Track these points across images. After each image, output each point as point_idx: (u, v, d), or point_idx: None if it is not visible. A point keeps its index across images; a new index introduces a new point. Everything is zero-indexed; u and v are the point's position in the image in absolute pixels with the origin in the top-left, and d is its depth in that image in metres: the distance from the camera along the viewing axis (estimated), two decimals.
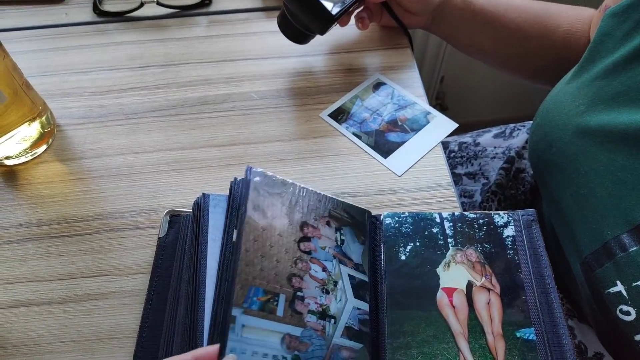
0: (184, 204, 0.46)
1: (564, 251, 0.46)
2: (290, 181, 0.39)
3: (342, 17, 0.51)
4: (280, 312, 0.34)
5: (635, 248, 0.37)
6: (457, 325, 0.36)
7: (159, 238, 0.43)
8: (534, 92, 0.72)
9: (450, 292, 0.38)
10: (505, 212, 0.42)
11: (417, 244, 0.40)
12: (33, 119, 0.49)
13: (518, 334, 0.35)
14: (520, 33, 0.57)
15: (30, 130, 0.49)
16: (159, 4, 0.64)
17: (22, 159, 0.50)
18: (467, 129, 0.76)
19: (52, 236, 0.45)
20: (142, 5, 0.64)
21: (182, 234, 0.42)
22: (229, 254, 0.36)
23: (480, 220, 0.41)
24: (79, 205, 0.47)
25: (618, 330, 0.39)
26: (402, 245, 0.40)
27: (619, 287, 0.38)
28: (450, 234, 0.41)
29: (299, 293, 0.35)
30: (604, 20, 0.44)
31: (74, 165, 0.50)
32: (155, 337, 0.38)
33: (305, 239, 0.38)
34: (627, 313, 0.38)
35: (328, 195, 0.41)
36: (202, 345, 0.33)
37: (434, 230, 0.41)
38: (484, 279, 0.38)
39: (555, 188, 0.46)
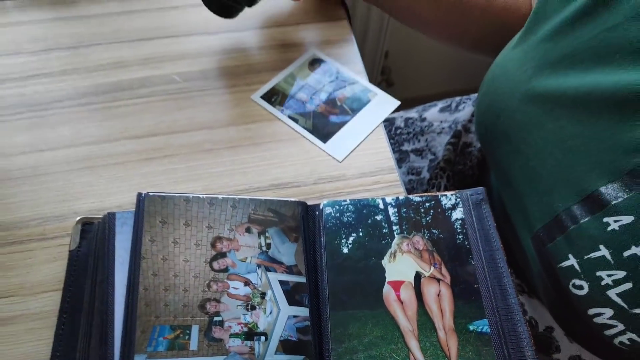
0: (99, 207, 0.41)
1: (514, 225, 0.45)
2: (193, 196, 0.35)
3: None
4: (193, 345, 0.31)
5: (586, 219, 0.35)
6: (406, 322, 0.34)
7: (70, 251, 0.37)
8: (479, 63, 0.71)
9: (397, 285, 0.35)
10: (453, 192, 0.39)
11: (360, 234, 0.37)
12: None
13: (471, 327, 0.33)
14: (460, 3, 0.55)
15: None
16: None
17: None
18: (414, 104, 0.74)
19: None
20: None
21: (94, 247, 0.36)
22: (129, 297, 0.31)
23: (427, 204, 0.39)
24: None
25: (570, 305, 0.38)
26: (344, 236, 0.37)
27: (571, 261, 0.37)
28: (395, 221, 0.38)
29: (216, 318, 0.32)
30: None
31: None
32: None
33: (219, 255, 0.34)
34: (580, 287, 0.37)
35: (246, 197, 0.37)
36: None
37: (378, 217, 0.38)
38: (432, 268, 0.36)
39: (504, 160, 0.45)
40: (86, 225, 0.39)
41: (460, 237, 0.36)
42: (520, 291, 0.51)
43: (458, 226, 0.37)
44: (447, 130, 0.66)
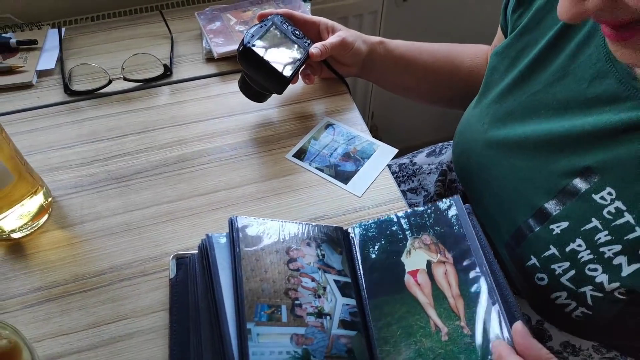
0: (185, 247, 0.54)
1: (492, 239, 0.56)
2: (270, 220, 0.49)
3: (294, 76, 0.62)
4: (284, 319, 0.43)
5: (538, 228, 0.48)
6: (424, 298, 0.45)
7: (170, 279, 0.50)
8: (450, 117, 0.87)
9: (414, 273, 0.46)
10: (447, 198, 0.50)
11: (383, 242, 0.49)
12: (34, 193, 0.55)
13: (472, 290, 0.44)
14: (433, 71, 0.71)
15: (32, 204, 0.55)
16: (125, 79, 0.73)
17: (26, 232, 0.56)
18: (400, 154, 0.88)
19: (70, 294, 0.51)
20: (110, 82, 0.72)
21: (190, 272, 0.49)
22: (236, 284, 0.44)
23: (429, 210, 0.50)
24: (88, 264, 0.53)
25: (539, 293, 0.49)
26: (371, 246, 0.50)
27: (533, 260, 0.48)
28: (407, 228, 0.50)
29: (296, 302, 0.44)
30: (490, 58, 0.58)
31: (76, 229, 0.56)
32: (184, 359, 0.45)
33: (292, 260, 0.47)
34: (542, 279, 0.48)
35: (304, 222, 0.50)
36: (231, 355, 0.40)
37: (394, 228, 0.50)
38: (438, 255, 0.46)
39: (477, 190, 0.57)
40: (178, 259, 0.51)
41: (456, 227, 0.48)
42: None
43: (454, 220, 0.48)
44: (435, 170, 0.80)
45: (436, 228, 0.49)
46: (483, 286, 0.44)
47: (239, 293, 0.42)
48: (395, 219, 0.51)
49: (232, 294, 0.43)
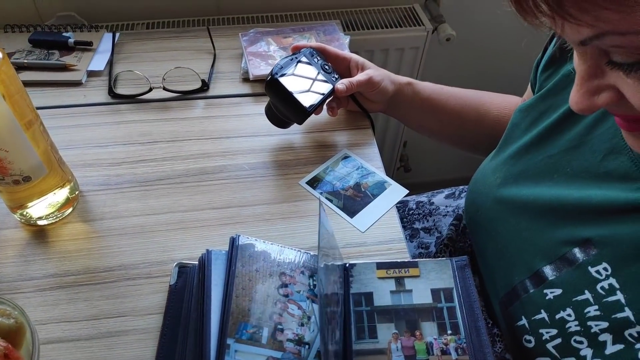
0: (190, 256, 0.57)
1: (488, 293, 0.57)
2: (270, 243, 0.51)
3: (316, 109, 0.65)
4: (264, 340, 0.45)
5: (533, 290, 0.48)
6: None
7: (170, 285, 0.53)
8: (480, 158, 0.87)
9: None
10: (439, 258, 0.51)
11: None
12: (63, 186, 0.60)
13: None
14: (459, 117, 0.72)
15: (59, 196, 0.60)
16: (164, 89, 0.77)
17: (52, 220, 0.60)
18: (427, 187, 0.89)
19: (79, 284, 0.55)
20: (150, 90, 0.77)
21: (189, 282, 0.52)
22: (225, 299, 0.46)
23: None
24: (101, 259, 0.57)
25: (525, 355, 0.48)
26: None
27: (524, 321, 0.48)
28: None
29: (279, 326, 0.46)
30: (514, 114, 0.59)
31: (95, 225, 0.60)
32: None
33: (284, 285, 0.49)
34: (529, 341, 0.47)
35: (303, 251, 0.52)
36: None
37: None
38: None
39: (481, 242, 0.58)
40: (181, 267, 0.54)
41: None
42: (509, 350, 0.63)
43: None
44: (451, 213, 0.79)
45: None
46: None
47: (226, 309, 0.44)
48: None
49: (220, 308, 0.45)
